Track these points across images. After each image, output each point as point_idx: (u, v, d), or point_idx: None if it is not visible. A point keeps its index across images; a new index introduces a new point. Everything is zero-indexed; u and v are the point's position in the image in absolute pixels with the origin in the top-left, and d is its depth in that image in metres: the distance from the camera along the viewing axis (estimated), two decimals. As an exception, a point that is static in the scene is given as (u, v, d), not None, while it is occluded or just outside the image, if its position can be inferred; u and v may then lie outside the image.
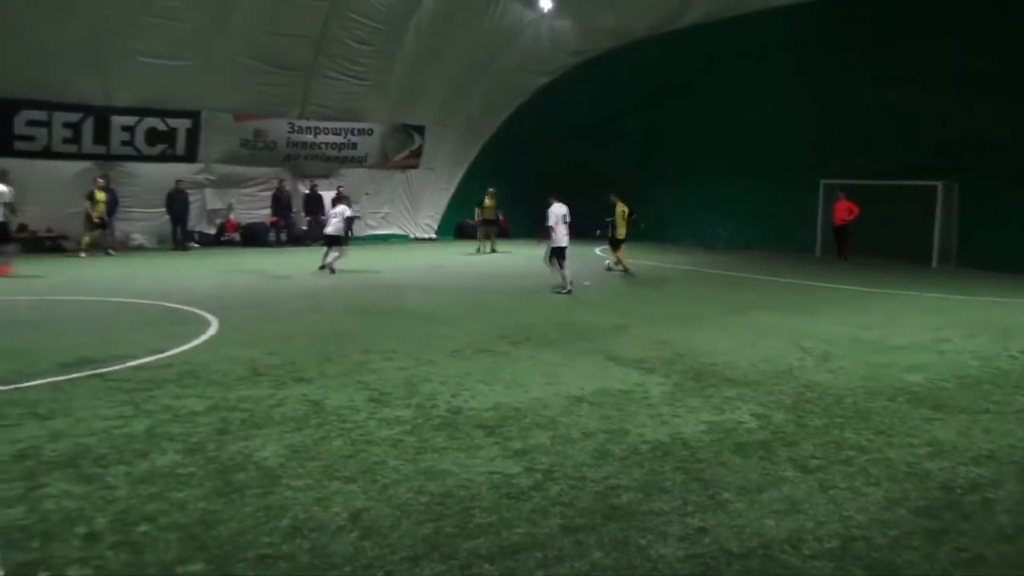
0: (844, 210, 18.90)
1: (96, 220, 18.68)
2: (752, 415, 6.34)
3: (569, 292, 13.22)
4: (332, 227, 16.22)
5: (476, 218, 22.29)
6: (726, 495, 4.67)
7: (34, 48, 17.36)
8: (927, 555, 3.98)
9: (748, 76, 21.15)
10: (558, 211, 13.70)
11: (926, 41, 17.78)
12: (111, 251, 19.09)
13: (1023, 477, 5.10)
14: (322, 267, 16.00)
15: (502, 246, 22.09)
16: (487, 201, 21.96)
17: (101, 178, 19.07)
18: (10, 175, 15.54)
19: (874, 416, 6.37)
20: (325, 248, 16.32)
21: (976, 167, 17.52)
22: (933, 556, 3.97)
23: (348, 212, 16.60)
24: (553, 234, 13.65)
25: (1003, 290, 14.27)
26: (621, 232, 16.43)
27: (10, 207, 14.88)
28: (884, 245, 18.93)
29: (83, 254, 18.27)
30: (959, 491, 4.82)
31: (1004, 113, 16.95)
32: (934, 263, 18.60)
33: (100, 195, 18.70)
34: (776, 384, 7.36)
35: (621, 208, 16.35)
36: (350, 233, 17.19)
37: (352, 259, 16.76)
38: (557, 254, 13.63)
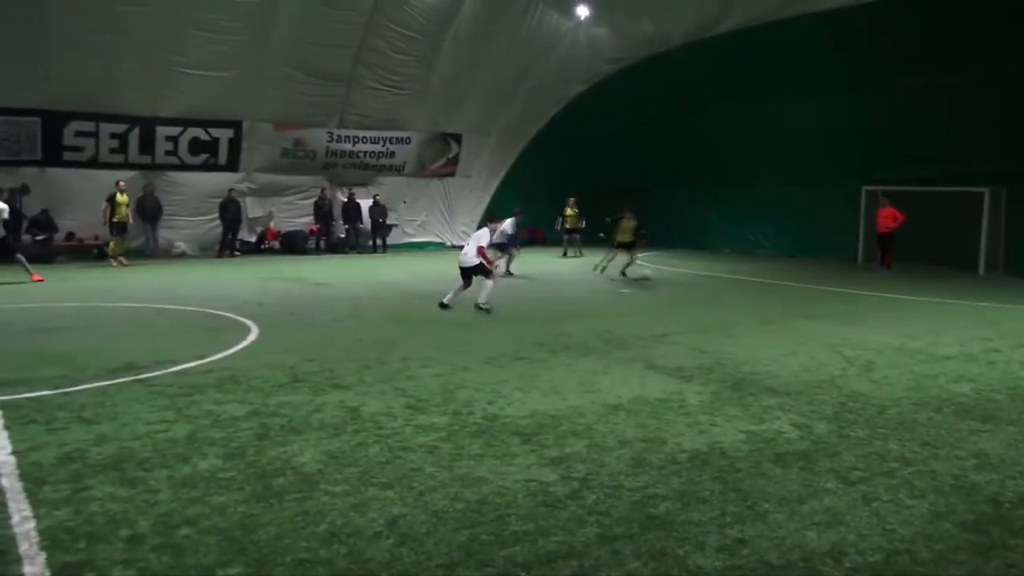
0: (888, 217, 18.53)
1: (116, 223, 18.33)
2: (792, 425, 6.24)
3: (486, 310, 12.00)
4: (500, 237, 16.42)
5: (558, 226, 23.05)
6: (766, 506, 4.59)
7: (83, 61, 17.88)
8: (974, 571, 3.87)
9: (787, 82, 20.87)
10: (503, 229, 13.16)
11: (969, 45, 17.37)
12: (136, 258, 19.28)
13: (1076, 492, 4.94)
14: (508, 272, 16.75)
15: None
16: (569, 210, 22.83)
17: (122, 182, 18.80)
18: (16, 194, 16.03)
19: (919, 427, 6.22)
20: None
21: (1024, 172, 17.08)
22: (980, 572, 3.86)
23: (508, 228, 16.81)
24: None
25: (1054, 298, 13.86)
26: (621, 237, 17.03)
27: (4, 223, 14.76)
28: (929, 252, 18.51)
29: (114, 262, 18.08)
30: (1008, 505, 4.68)
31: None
32: (981, 271, 18.14)
33: (122, 198, 18.51)
34: (817, 394, 7.23)
35: (629, 223, 16.97)
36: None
37: (391, 266, 16.87)
38: (483, 272, 12.29)
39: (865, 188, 20.25)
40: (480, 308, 11.91)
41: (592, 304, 13.39)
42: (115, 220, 18.42)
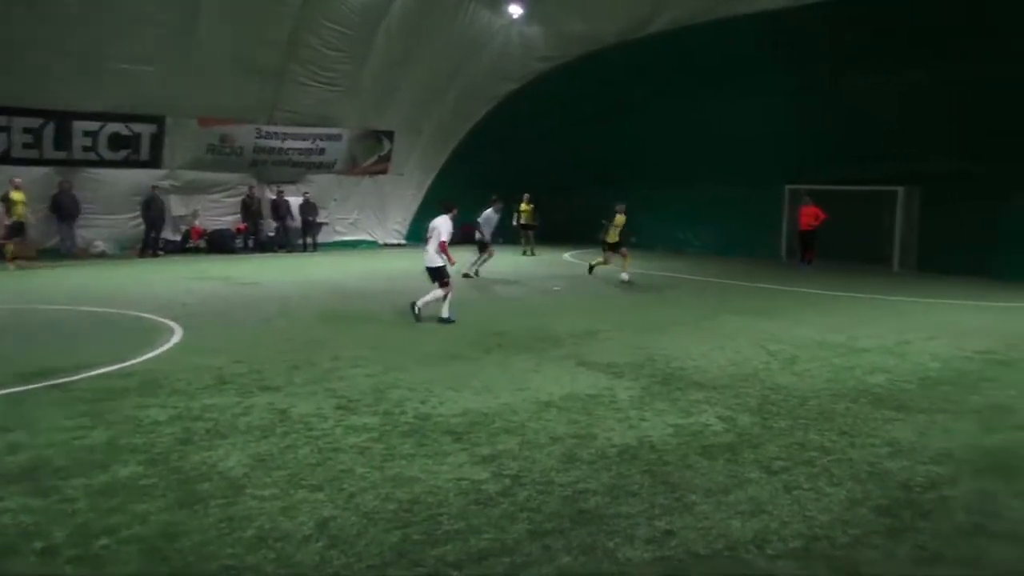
0: (810, 215, 19.20)
1: (12, 223, 17.02)
2: (718, 418, 6.40)
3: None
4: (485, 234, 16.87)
5: (515, 222, 22.91)
6: (693, 497, 4.71)
7: (-6, 52, 17.01)
8: (888, 553, 4.05)
9: (715, 82, 21.37)
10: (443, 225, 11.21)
11: (893, 48, 18.10)
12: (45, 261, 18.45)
13: (979, 475, 5.22)
14: (466, 275, 16.22)
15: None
16: (524, 206, 22.80)
17: (16, 179, 17.47)
18: None
19: (837, 417, 6.47)
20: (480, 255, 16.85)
21: (937, 172, 17.88)
22: (893, 554, 4.05)
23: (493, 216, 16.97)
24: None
25: (962, 293, 14.59)
26: (612, 237, 16.25)
27: None
28: (847, 249, 19.26)
29: (11, 265, 16.60)
30: (918, 490, 4.92)
31: (964, 120, 17.32)
32: (895, 267, 18.95)
33: (17, 195, 17.15)
34: (743, 387, 7.44)
35: (621, 219, 16.44)
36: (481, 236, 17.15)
37: (322, 265, 16.62)
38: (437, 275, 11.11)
39: (787, 187, 20.91)
40: (417, 310, 10.90)
41: (527, 303, 13.46)
42: (11, 220, 17.03)
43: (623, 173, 24.18)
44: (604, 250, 16.55)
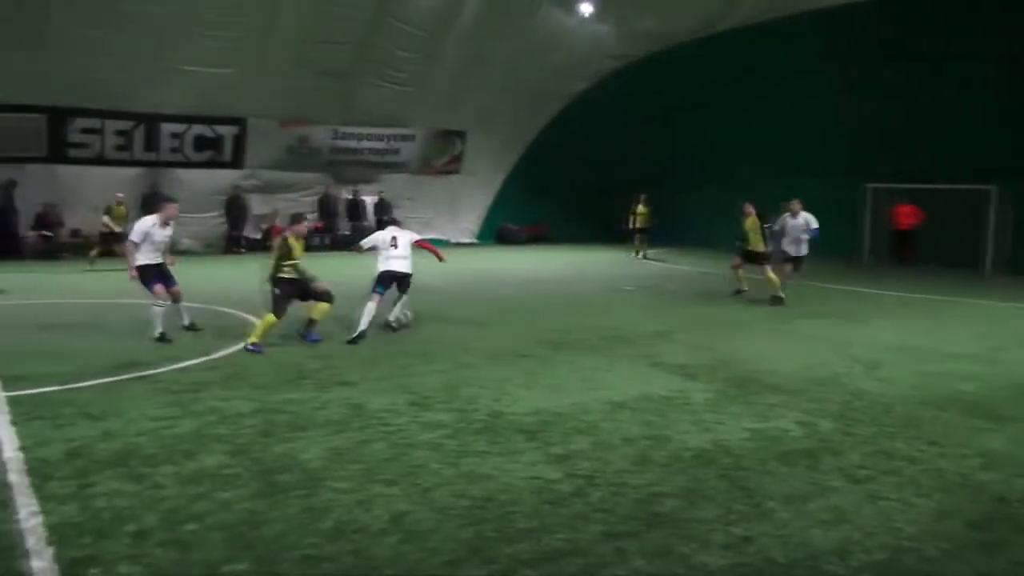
0: (908, 215, 18.52)
1: (108, 232, 17.14)
2: (797, 423, 6.22)
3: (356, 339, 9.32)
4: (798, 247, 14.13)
5: (628, 225, 22.04)
6: (771, 504, 4.59)
7: (88, 58, 17.87)
8: (981, 569, 3.86)
9: (789, 79, 20.80)
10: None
11: (970, 41, 17.28)
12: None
13: (1083, 490, 4.92)
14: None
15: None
16: (640, 208, 21.78)
17: (120, 194, 17.85)
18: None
19: (925, 426, 6.21)
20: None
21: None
22: (987, 570, 3.85)
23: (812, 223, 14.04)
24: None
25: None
26: (755, 245, 13.75)
27: None
28: (935, 251, 18.48)
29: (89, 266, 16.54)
30: (1015, 503, 4.67)
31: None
32: (987, 269, 18.08)
33: (120, 209, 17.44)
34: (822, 392, 7.21)
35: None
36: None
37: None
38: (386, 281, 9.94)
39: (869, 186, 20.19)
40: (395, 327, 10.00)
41: (598, 302, 13.36)
42: (109, 230, 17.20)
43: (694, 171, 23.79)
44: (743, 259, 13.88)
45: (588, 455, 5.40)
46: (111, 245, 17.42)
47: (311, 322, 9.33)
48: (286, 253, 9.08)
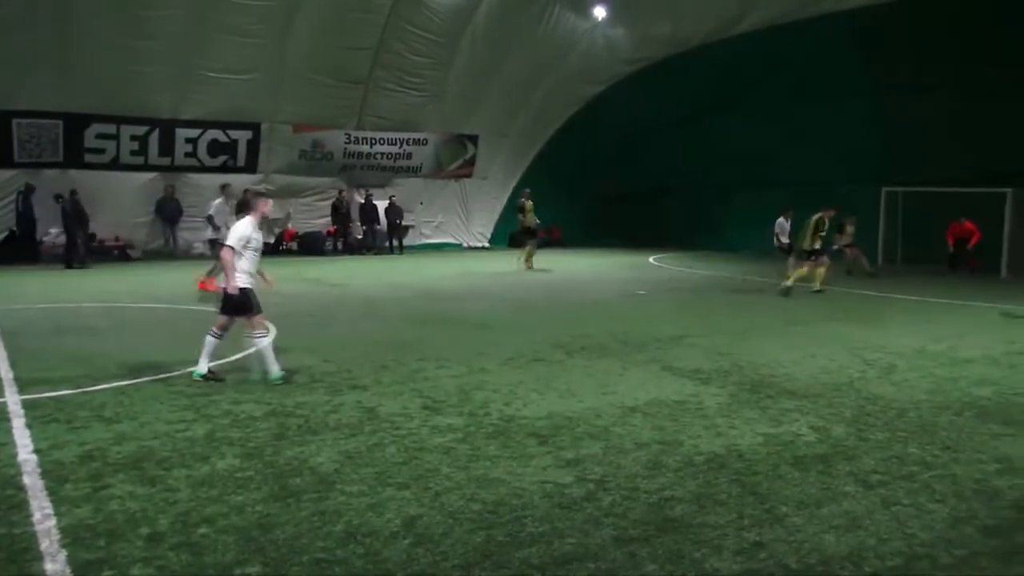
0: (965, 232, 18.30)
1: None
2: (811, 428, 6.18)
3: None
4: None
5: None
6: (784, 509, 4.56)
7: (104, 64, 18.08)
8: (997, 577, 3.82)
9: (805, 81, 20.73)
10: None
11: (996, 43, 17.16)
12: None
13: (1101, 497, 4.86)
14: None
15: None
16: (849, 228, 20.51)
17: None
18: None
19: (939, 431, 6.15)
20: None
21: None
22: (1004, 578, 3.81)
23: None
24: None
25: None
26: (808, 243, 14.61)
27: None
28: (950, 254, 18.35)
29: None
30: (1032, 510, 4.62)
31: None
32: (1003, 273, 17.91)
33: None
34: (836, 396, 7.17)
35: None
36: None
37: (408, 267, 16.90)
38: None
39: (885, 189, 20.07)
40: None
41: (611, 306, 13.35)
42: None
43: (709, 176, 23.73)
44: (799, 258, 14.66)
45: (600, 459, 5.39)
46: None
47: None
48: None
